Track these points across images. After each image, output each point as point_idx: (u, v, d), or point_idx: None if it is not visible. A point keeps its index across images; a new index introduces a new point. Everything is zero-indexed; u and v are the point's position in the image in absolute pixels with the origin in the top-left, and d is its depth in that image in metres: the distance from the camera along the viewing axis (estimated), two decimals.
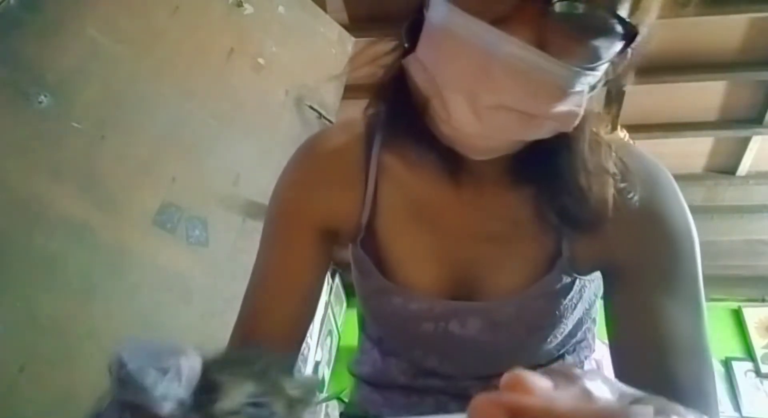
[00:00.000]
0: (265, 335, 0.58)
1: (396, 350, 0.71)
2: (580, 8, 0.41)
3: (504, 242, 0.59)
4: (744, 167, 2.75)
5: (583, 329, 0.69)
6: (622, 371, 0.54)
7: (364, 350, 0.77)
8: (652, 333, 0.52)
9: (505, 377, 0.22)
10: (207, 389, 0.30)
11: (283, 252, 0.62)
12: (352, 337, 3.00)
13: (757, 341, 3.47)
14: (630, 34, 0.43)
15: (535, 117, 0.44)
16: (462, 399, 0.65)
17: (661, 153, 2.33)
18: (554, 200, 0.54)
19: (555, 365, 0.65)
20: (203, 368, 0.31)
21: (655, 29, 0.49)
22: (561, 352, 0.68)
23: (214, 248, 1.40)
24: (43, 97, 1.14)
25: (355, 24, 2.10)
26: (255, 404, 0.31)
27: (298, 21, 1.76)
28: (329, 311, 3.35)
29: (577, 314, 0.64)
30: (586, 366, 0.71)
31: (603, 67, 0.46)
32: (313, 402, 0.35)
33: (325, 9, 1.96)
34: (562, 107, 0.44)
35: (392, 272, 0.62)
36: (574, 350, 0.70)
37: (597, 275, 0.61)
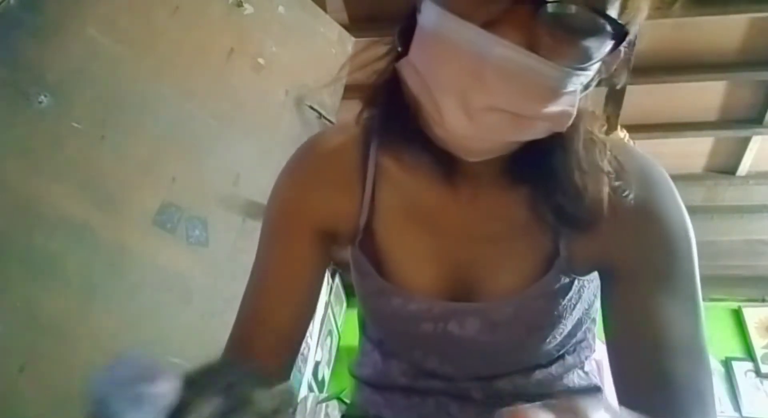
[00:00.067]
0: (264, 336, 0.59)
1: (396, 352, 0.71)
2: (570, 9, 0.41)
3: (502, 243, 0.59)
4: (744, 167, 2.75)
5: (583, 329, 0.69)
6: (619, 371, 0.55)
7: (365, 352, 0.77)
8: (649, 333, 0.52)
9: (507, 412, 0.22)
10: (175, 409, 0.30)
11: (282, 252, 0.63)
12: (352, 337, 3.00)
13: (757, 341, 3.47)
14: (620, 34, 0.43)
15: (527, 118, 0.44)
16: (463, 400, 0.65)
17: (661, 153, 2.34)
18: (550, 200, 0.54)
19: (559, 399, 0.65)
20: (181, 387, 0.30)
21: (647, 28, 0.50)
22: (561, 352, 0.68)
23: (214, 248, 1.40)
24: (43, 97, 1.14)
25: (355, 24, 2.10)
26: None
27: (298, 21, 1.76)
28: (329, 311, 3.35)
29: (577, 314, 0.64)
30: (587, 367, 0.71)
31: (595, 67, 0.46)
32: (287, 414, 0.34)
33: (325, 9, 1.96)
34: (555, 108, 0.44)
35: (391, 273, 0.62)
36: (574, 350, 0.70)
37: (596, 275, 0.61)
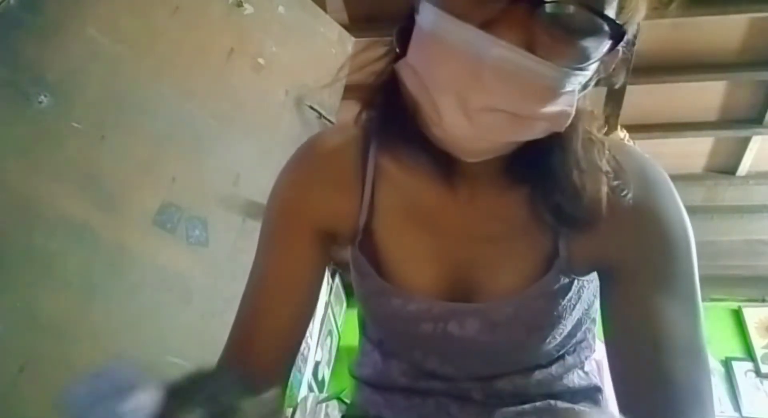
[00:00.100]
0: (264, 336, 0.58)
1: (396, 352, 0.71)
2: (568, 9, 0.42)
3: (501, 243, 0.59)
4: (744, 167, 2.75)
5: (583, 329, 0.70)
6: (618, 371, 0.55)
7: (365, 352, 0.77)
8: (648, 333, 0.52)
9: None
10: None
11: (281, 252, 0.62)
12: (352, 337, 3.00)
13: (757, 341, 3.47)
14: (618, 34, 0.43)
15: (525, 118, 0.44)
16: (463, 400, 0.65)
17: (661, 153, 2.34)
18: (549, 200, 0.54)
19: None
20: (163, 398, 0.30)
21: (647, 28, 0.50)
22: (561, 352, 0.68)
23: (214, 248, 1.40)
24: (43, 97, 1.14)
25: (355, 24, 2.10)
26: None
27: (298, 21, 1.76)
28: (329, 311, 3.35)
29: (576, 314, 0.64)
30: (587, 367, 0.71)
31: (593, 67, 0.46)
32: None
33: (325, 9, 1.96)
34: (553, 108, 0.44)
35: (391, 273, 0.62)
36: (574, 350, 0.70)
37: (595, 275, 0.61)
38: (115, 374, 0.31)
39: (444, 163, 0.55)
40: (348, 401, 0.82)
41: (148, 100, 1.33)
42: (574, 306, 0.62)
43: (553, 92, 0.44)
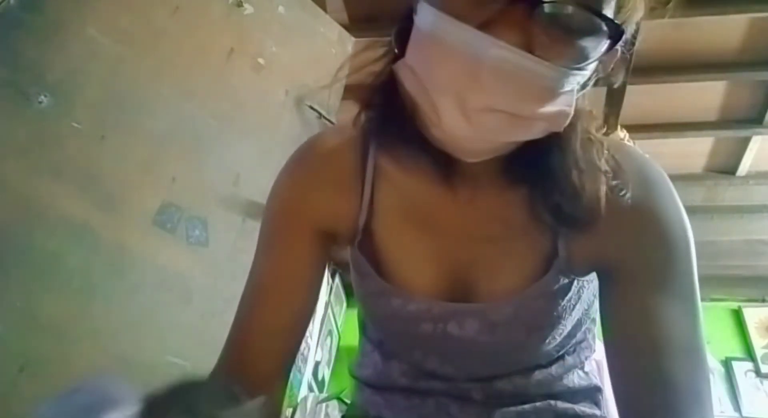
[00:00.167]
0: (263, 337, 0.58)
1: (396, 352, 0.71)
2: (566, 9, 0.42)
3: (500, 243, 0.59)
4: (744, 167, 2.75)
5: (583, 329, 0.69)
6: (616, 371, 0.55)
7: (365, 353, 0.77)
8: (647, 333, 0.52)
9: None
10: None
11: (281, 252, 0.62)
12: (352, 337, 3.00)
13: (757, 341, 3.47)
14: (616, 33, 0.43)
15: (524, 118, 0.44)
16: (463, 401, 0.65)
17: (661, 153, 2.34)
18: (548, 199, 0.54)
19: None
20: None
21: (647, 28, 0.50)
22: (561, 353, 0.68)
23: (214, 248, 1.40)
24: (43, 97, 1.14)
25: (355, 24, 2.10)
26: None
27: (298, 21, 1.76)
28: (329, 311, 3.35)
29: (576, 314, 0.64)
30: (587, 367, 0.71)
31: (591, 67, 0.46)
32: None
33: (325, 9, 1.96)
34: (552, 107, 0.44)
35: (390, 273, 0.62)
36: (574, 350, 0.70)
37: (595, 276, 0.61)
38: (90, 392, 0.31)
39: (443, 164, 0.55)
40: (348, 401, 0.82)
41: (148, 100, 1.33)
42: (574, 306, 0.62)
43: (552, 92, 0.44)
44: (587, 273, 0.61)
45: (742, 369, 3.39)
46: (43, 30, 1.17)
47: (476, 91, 0.42)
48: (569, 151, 0.52)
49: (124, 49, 1.30)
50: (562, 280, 0.58)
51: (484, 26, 0.41)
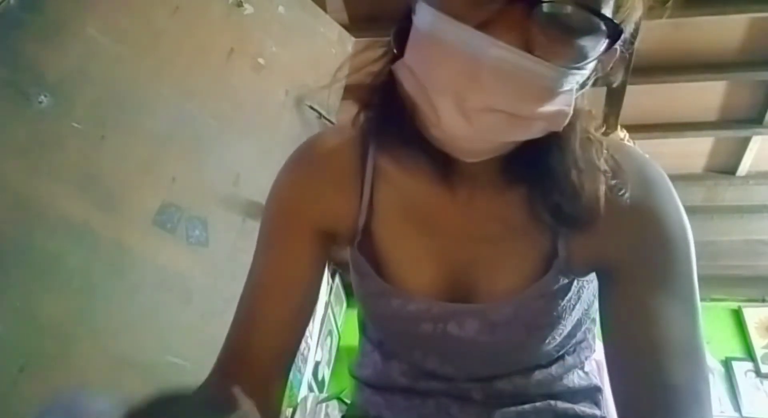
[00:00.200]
0: (262, 337, 0.58)
1: (396, 352, 0.71)
2: (564, 9, 0.42)
3: (500, 243, 0.59)
4: (744, 167, 2.75)
5: (583, 329, 0.69)
6: (615, 371, 0.54)
7: (365, 353, 0.77)
8: (645, 333, 0.52)
9: None
10: None
11: (280, 252, 0.62)
12: (352, 337, 3.00)
13: (757, 341, 3.47)
14: (615, 32, 0.43)
15: (524, 118, 0.44)
16: (463, 401, 0.65)
17: (661, 153, 2.34)
18: (547, 199, 0.54)
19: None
20: None
21: (647, 28, 0.50)
22: (561, 353, 0.68)
23: (214, 248, 1.40)
24: (43, 97, 1.14)
25: (355, 24, 2.10)
26: None
27: (298, 21, 1.76)
28: (329, 311, 3.35)
29: (576, 314, 0.64)
30: (587, 367, 0.71)
31: (590, 66, 0.46)
32: None
33: (325, 9, 1.96)
34: (551, 107, 0.44)
35: (390, 274, 0.62)
36: (574, 350, 0.70)
37: (595, 276, 0.61)
38: (68, 408, 0.30)
39: (442, 164, 0.55)
40: (348, 401, 0.81)
41: (148, 100, 1.33)
42: (574, 306, 0.62)
43: (551, 92, 0.44)
44: (587, 273, 0.61)
45: (742, 369, 3.39)
46: (43, 30, 1.17)
47: (475, 91, 0.42)
48: (568, 151, 0.52)
49: (124, 49, 1.30)
50: (561, 280, 0.58)
51: (482, 26, 0.41)
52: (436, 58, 0.43)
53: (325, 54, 1.80)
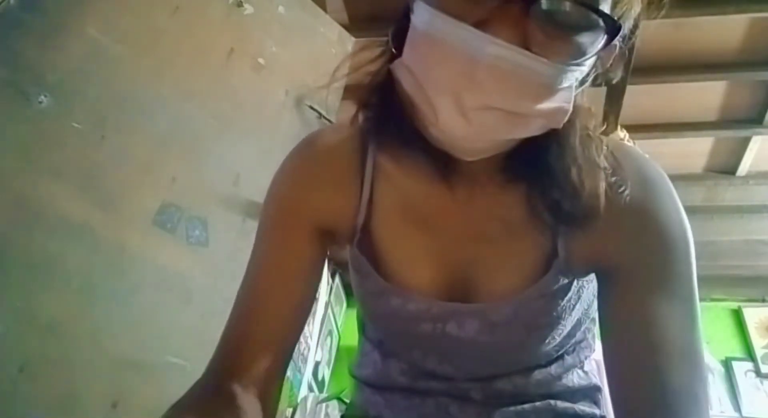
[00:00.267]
0: (259, 335, 0.57)
1: (396, 352, 0.71)
2: (562, 6, 0.42)
3: (500, 243, 0.59)
4: (744, 167, 2.75)
5: (582, 329, 0.69)
6: (613, 372, 0.54)
7: (365, 352, 0.76)
8: (644, 334, 0.51)
9: None
10: None
11: (279, 249, 0.62)
12: (352, 337, 3.00)
13: (757, 341, 3.47)
14: (613, 29, 0.43)
15: (523, 116, 0.44)
16: (463, 400, 0.65)
17: (661, 153, 2.34)
18: (547, 197, 0.54)
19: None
20: None
21: (647, 27, 0.50)
22: (560, 352, 0.68)
23: (214, 248, 1.40)
24: (43, 97, 1.14)
25: (355, 24, 2.10)
26: None
27: (298, 21, 1.76)
28: (329, 311, 3.35)
29: (576, 314, 0.64)
30: (586, 366, 0.71)
31: (589, 62, 0.46)
32: None
33: (325, 9, 1.96)
34: (550, 104, 0.44)
35: (390, 273, 0.62)
36: (573, 350, 0.70)
37: (594, 275, 0.61)
38: None
39: (442, 163, 0.54)
40: (348, 401, 0.81)
41: (148, 100, 1.33)
42: (574, 306, 0.62)
43: (550, 89, 0.44)
44: (587, 274, 0.60)
45: (742, 369, 3.39)
46: (43, 30, 1.17)
47: (473, 90, 0.42)
48: (568, 148, 0.51)
49: (124, 49, 1.30)
50: (561, 280, 0.58)
51: (480, 24, 0.41)
52: (433, 57, 0.43)
53: (325, 54, 1.80)
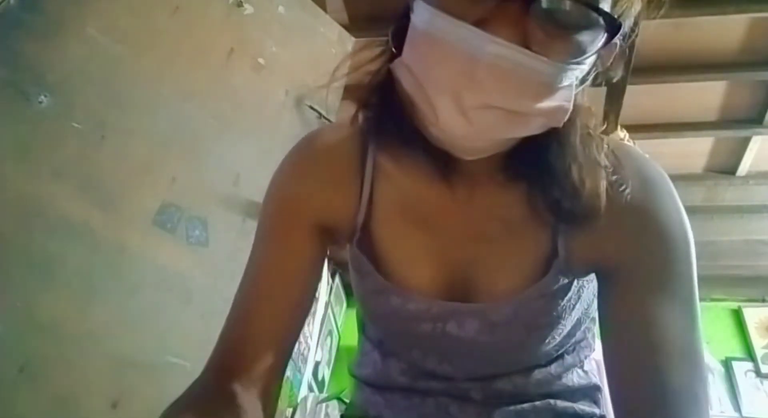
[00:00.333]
0: (257, 334, 0.57)
1: (396, 351, 0.71)
2: (562, 4, 0.42)
3: (499, 242, 0.59)
4: (744, 167, 2.75)
5: (582, 328, 0.69)
6: (613, 372, 0.54)
7: (365, 352, 0.76)
8: (644, 334, 0.51)
9: None
10: None
11: (278, 247, 0.61)
12: (352, 337, 3.00)
13: (757, 341, 3.47)
14: (613, 27, 0.43)
15: (523, 115, 0.44)
16: (462, 400, 0.65)
17: (661, 153, 2.34)
18: (547, 196, 0.54)
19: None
20: None
21: (647, 27, 0.50)
22: (560, 352, 0.68)
23: (214, 248, 1.40)
24: (43, 97, 1.14)
25: (355, 24, 2.10)
26: None
27: (298, 21, 1.76)
28: (329, 311, 3.35)
29: (576, 314, 0.63)
30: (586, 366, 0.71)
31: (589, 61, 0.46)
32: None
33: (325, 9, 1.96)
34: (550, 103, 0.44)
35: (390, 272, 0.62)
36: (573, 349, 0.70)
37: (594, 275, 0.61)
38: None
39: (442, 162, 0.54)
40: (348, 401, 0.81)
41: (148, 100, 1.33)
42: (574, 306, 0.61)
43: (550, 88, 0.44)
44: (587, 273, 0.60)
45: (742, 369, 3.39)
46: (43, 30, 1.17)
47: (473, 89, 0.42)
48: (568, 146, 0.51)
49: (124, 49, 1.30)
50: (561, 280, 0.58)
51: (479, 23, 0.41)
52: (433, 57, 0.43)
53: (325, 54, 1.80)
